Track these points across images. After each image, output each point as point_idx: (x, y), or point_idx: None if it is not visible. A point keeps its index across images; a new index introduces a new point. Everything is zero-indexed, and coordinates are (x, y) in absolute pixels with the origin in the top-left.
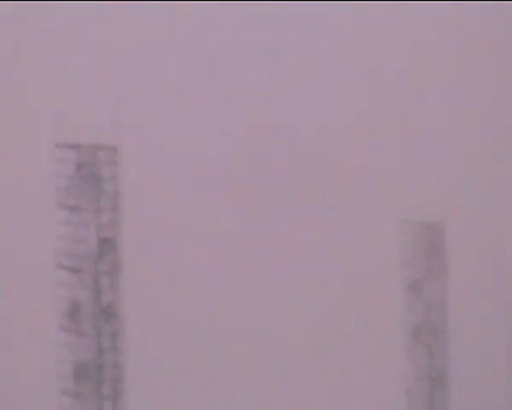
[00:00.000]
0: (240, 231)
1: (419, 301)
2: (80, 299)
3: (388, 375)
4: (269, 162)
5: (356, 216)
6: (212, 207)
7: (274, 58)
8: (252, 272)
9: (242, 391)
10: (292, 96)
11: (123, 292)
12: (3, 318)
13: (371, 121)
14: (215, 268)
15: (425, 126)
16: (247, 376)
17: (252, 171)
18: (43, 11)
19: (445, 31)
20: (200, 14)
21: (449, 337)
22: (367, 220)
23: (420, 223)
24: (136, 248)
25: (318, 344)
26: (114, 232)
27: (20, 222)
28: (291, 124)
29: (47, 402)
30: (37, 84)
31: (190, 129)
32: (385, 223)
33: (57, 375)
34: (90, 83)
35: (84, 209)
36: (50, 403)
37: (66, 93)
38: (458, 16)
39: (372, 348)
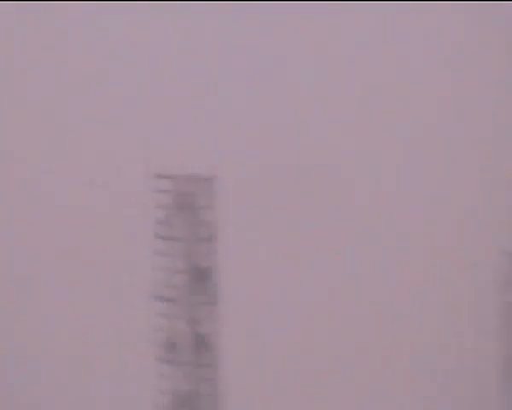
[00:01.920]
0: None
1: None
2: (177, 330)
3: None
4: None
5: None
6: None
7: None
8: None
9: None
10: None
11: (219, 323)
12: (100, 349)
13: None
14: (309, 295)
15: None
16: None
17: None
18: None
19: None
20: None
21: None
22: None
23: None
24: (232, 279)
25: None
26: (211, 263)
27: (117, 252)
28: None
29: None
30: (134, 112)
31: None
32: None
33: (155, 405)
34: (188, 113)
35: (181, 239)
36: None
37: (162, 123)
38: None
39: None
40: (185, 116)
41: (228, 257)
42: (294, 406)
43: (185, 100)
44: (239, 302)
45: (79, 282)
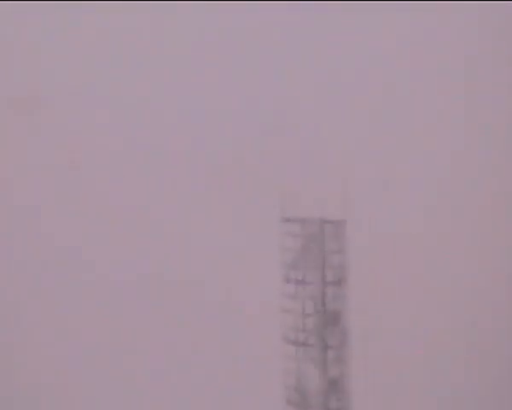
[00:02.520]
0: None
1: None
2: (306, 373)
3: None
4: None
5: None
6: None
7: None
8: None
9: None
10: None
11: (349, 366)
12: (230, 393)
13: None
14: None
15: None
16: None
17: None
18: None
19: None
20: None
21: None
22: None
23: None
24: (361, 322)
25: None
26: (340, 305)
27: (247, 295)
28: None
29: None
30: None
31: None
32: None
33: None
34: (317, 158)
35: (310, 283)
36: None
37: (292, 166)
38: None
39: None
40: (315, 158)
41: (357, 301)
42: None
43: (314, 142)
44: (368, 345)
45: (207, 323)
